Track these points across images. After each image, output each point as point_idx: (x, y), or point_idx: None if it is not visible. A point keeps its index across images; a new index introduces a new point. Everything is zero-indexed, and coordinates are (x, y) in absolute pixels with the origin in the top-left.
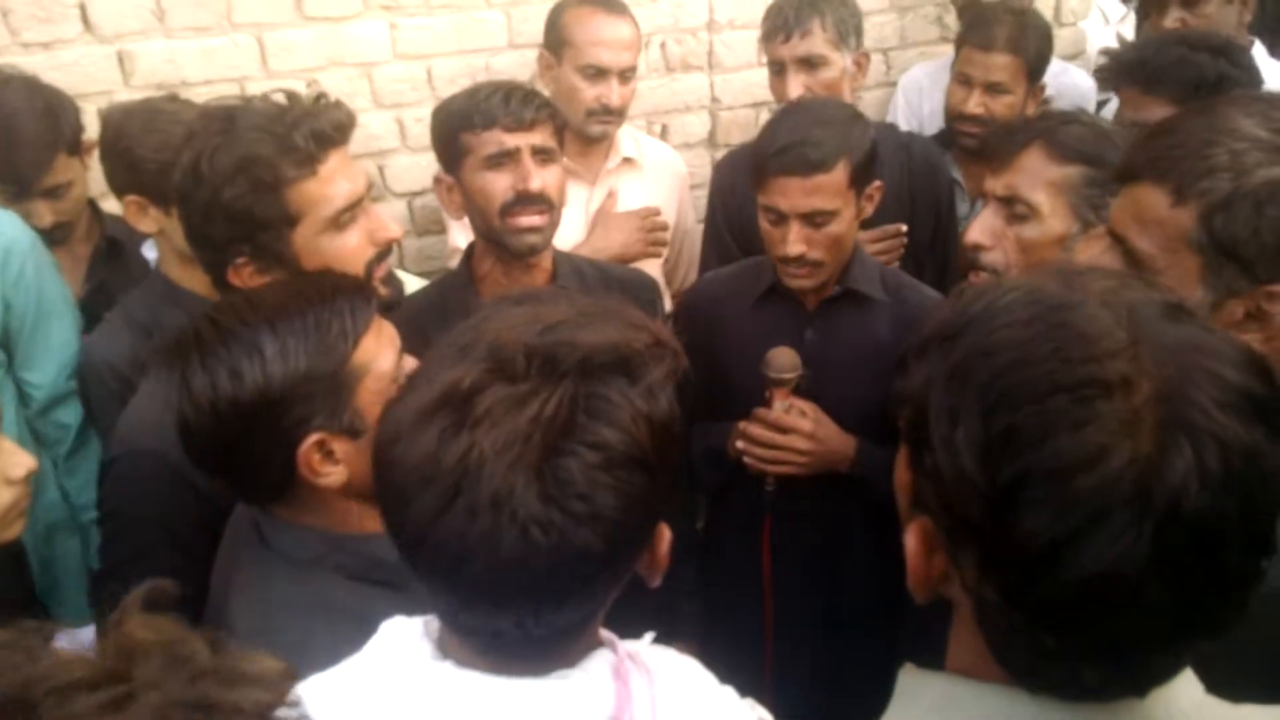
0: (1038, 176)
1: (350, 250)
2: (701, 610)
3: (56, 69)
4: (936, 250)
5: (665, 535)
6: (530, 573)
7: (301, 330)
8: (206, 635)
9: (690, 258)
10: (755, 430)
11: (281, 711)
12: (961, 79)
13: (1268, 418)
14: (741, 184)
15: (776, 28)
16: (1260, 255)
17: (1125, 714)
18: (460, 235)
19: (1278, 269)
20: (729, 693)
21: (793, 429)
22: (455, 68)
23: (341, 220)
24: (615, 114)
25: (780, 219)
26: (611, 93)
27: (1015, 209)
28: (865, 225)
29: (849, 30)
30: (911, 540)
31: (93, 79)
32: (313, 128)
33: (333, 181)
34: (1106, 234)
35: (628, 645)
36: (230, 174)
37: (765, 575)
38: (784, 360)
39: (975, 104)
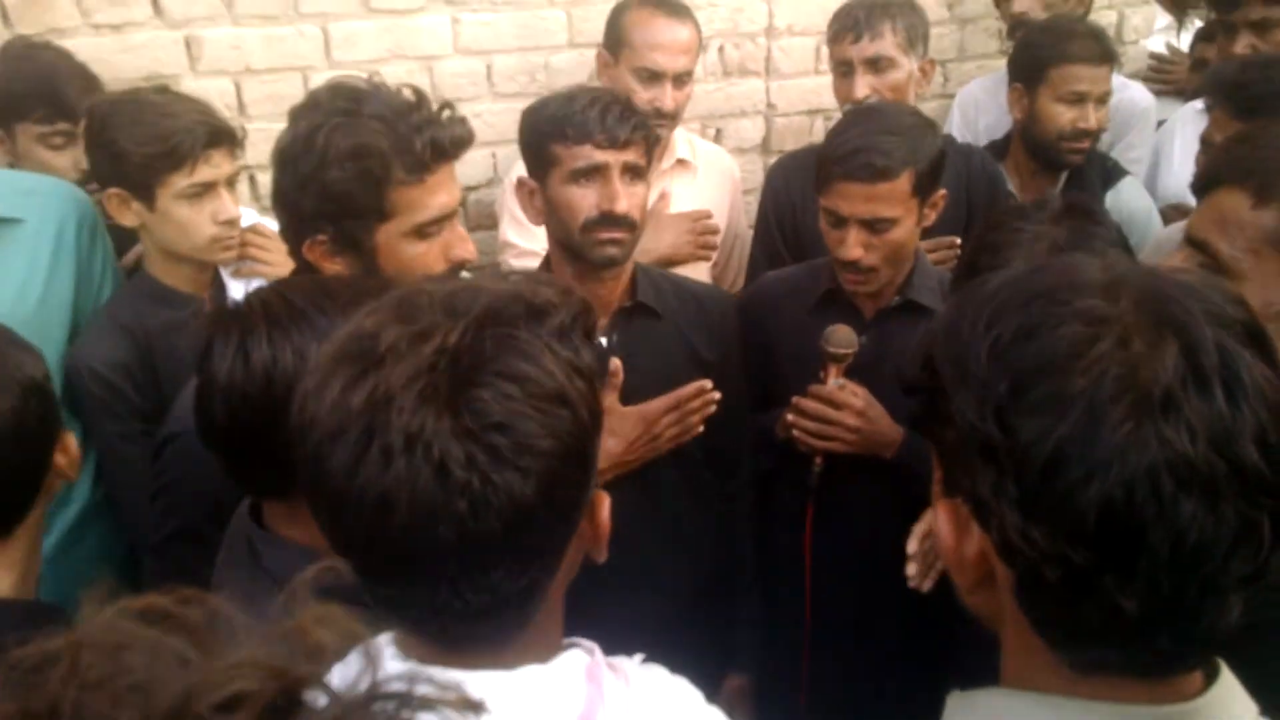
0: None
1: (425, 260)
2: (761, 643)
3: (125, 52)
4: None
5: (604, 501)
6: (455, 519)
7: None
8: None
9: (740, 262)
10: (807, 403)
11: None
12: (1070, 98)
13: (1257, 341)
14: (796, 190)
15: (846, 28)
16: None
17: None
18: (511, 229)
19: None
20: (716, 714)
21: (844, 405)
22: (515, 65)
23: (427, 230)
24: (668, 118)
25: (840, 222)
26: (665, 96)
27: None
28: (924, 234)
29: (917, 36)
30: (943, 523)
31: (160, 63)
32: (434, 137)
33: (434, 192)
34: (1185, 243)
35: (611, 658)
36: (343, 156)
37: (805, 568)
38: (842, 336)
39: (1093, 120)
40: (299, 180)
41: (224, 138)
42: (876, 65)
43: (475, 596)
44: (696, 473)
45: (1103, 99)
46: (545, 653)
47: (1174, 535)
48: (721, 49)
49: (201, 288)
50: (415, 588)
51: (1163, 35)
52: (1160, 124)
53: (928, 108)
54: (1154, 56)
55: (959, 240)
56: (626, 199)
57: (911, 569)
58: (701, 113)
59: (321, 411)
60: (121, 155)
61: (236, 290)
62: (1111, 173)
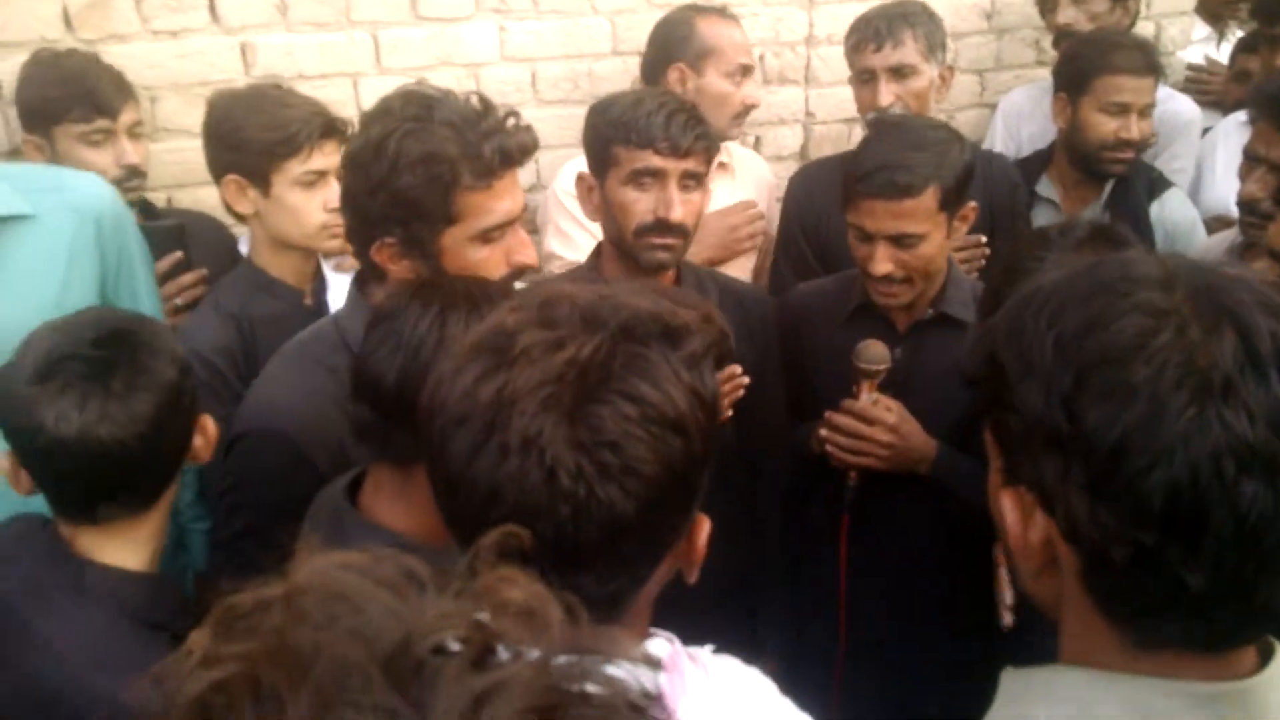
0: None
1: (488, 264)
2: (789, 641)
3: (182, 57)
4: None
5: (705, 525)
6: (556, 521)
7: None
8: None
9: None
10: (840, 419)
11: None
12: (1112, 108)
13: None
14: (819, 198)
15: (867, 38)
16: None
17: (1235, 699)
18: (555, 240)
19: None
20: (789, 705)
21: (877, 421)
22: (559, 71)
23: (492, 235)
24: (748, 113)
25: (867, 238)
26: (754, 92)
27: None
28: None
29: (937, 43)
30: (1009, 511)
31: (216, 68)
32: (502, 144)
33: (500, 198)
34: (1267, 253)
35: (689, 649)
36: (413, 161)
37: (841, 577)
38: (874, 352)
39: (1136, 131)
40: (370, 184)
41: (336, 130)
42: (899, 73)
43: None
44: (728, 467)
45: (1146, 110)
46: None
47: (1237, 514)
48: (762, 57)
49: (304, 280)
50: None
51: (1201, 46)
52: (1206, 130)
53: (965, 117)
54: (1191, 68)
55: (984, 239)
56: (682, 206)
57: (1008, 619)
58: None
59: (452, 397)
60: (242, 144)
61: (337, 284)
62: (1156, 184)
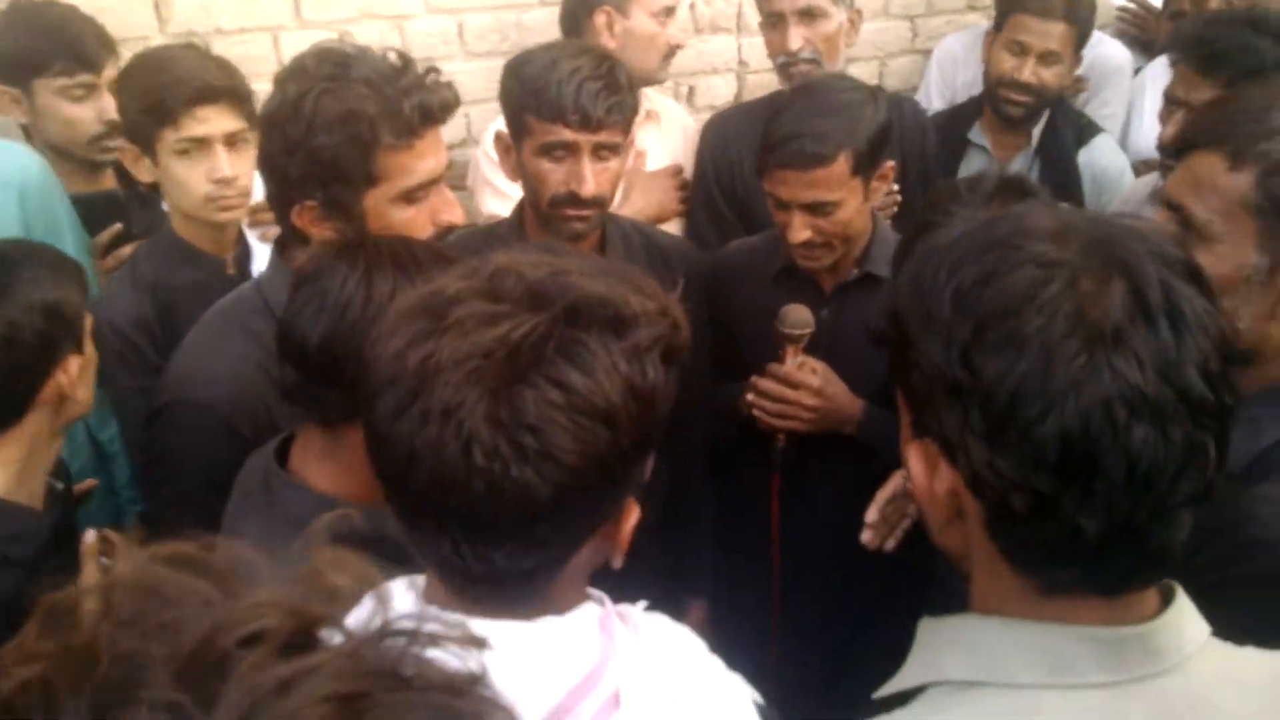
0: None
1: (413, 225)
2: (718, 599)
3: (95, 14)
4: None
5: (633, 512)
6: (469, 495)
7: None
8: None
9: None
10: (765, 384)
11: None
12: (1014, 47)
13: (1198, 281)
14: (733, 145)
15: None
16: None
17: (1137, 642)
18: (492, 201)
19: None
20: (717, 663)
21: (802, 384)
22: (486, 23)
23: (415, 195)
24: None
25: (783, 206)
26: (679, 32)
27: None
28: None
29: None
30: (915, 463)
31: (127, 24)
32: (422, 101)
33: (422, 157)
34: (1162, 204)
35: (620, 607)
36: (330, 120)
37: (774, 536)
38: (797, 316)
39: (1029, 73)
40: (287, 146)
41: (218, 94)
42: (808, 15)
43: (475, 565)
44: None
45: (1049, 57)
46: (563, 607)
47: (1128, 460)
48: (693, 6)
49: (225, 248)
50: (428, 539)
51: None
52: (1137, 72)
53: (898, 64)
54: (1121, 9)
55: (896, 186)
56: (594, 179)
57: (867, 535)
58: (673, 70)
59: (384, 357)
60: (123, 110)
61: (262, 253)
62: (1085, 130)
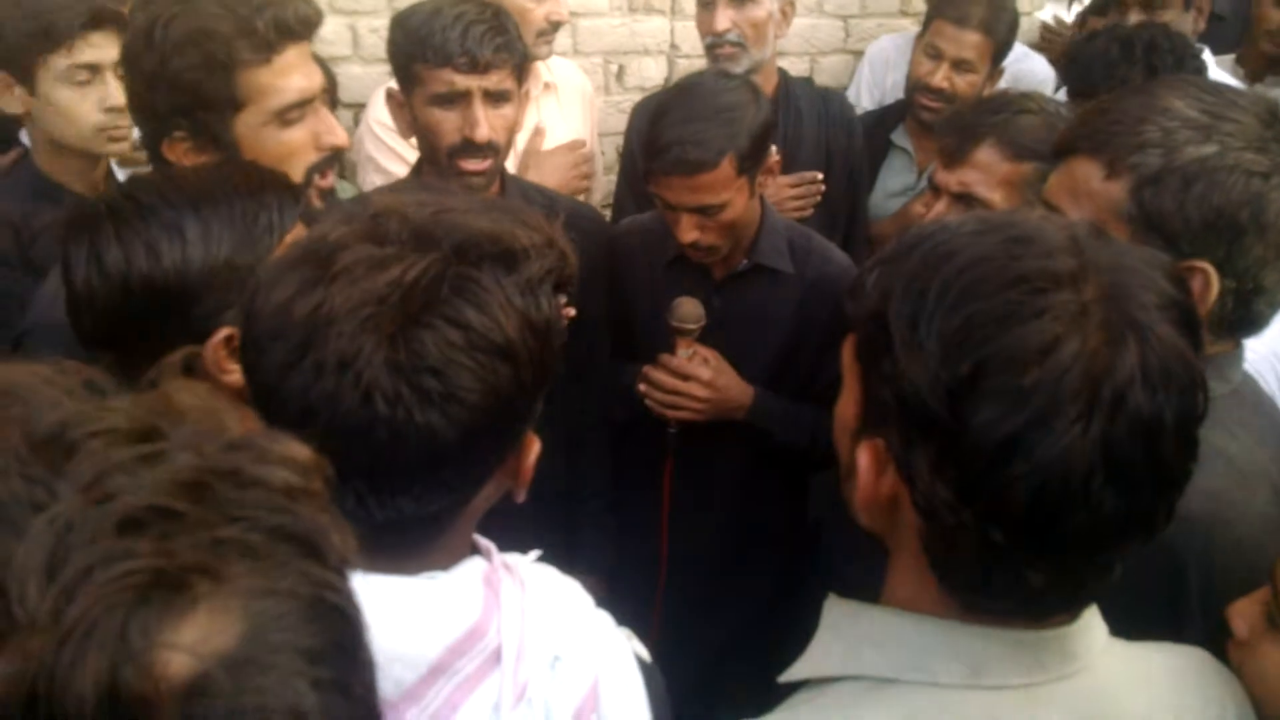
0: (992, 174)
1: (292, 148)
2: (610, 541)
3: None
4: (847, 205)
5: (534, 446)
6: (371, 444)
7: (227, 217)
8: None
9: (598, 178)
10: (657, 375)
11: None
12: (930, 51)
13: (1190, 326)
14: None
15: None
16: (1184, 230)
17: (1054, 645)
18: (378, 179)
19: (1199, 245)
20: (605, 617)
21: (692, 376)
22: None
23: (289, 116)
24: (556, 30)
25: (671, 208)
26: (560, 6)
27: (971, 205)
28: (783, 173)
29: None
30: (863, 461)
31: None
32: (276, 15)
33: (287, 74)
34: (1041, 205)
35: (506, 557)
36: (182, 44)
37: (663, 516)
38: (688, 310)
39: (941, 78)
40: (145, 77)
41: (109, 19)
42: (739, 0)
43: (380, 513)
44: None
45: (962, 65)
46: (449, 558)
47: (1091, 523)
48: None
49: (92, 186)
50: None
51: (1055, 6)
52: (1059, 89)
53: (829, 62)
54: (1044, 27)
55: (821, 175)
56: (488, 125)
57: None
58: (604, 48)
59: (266, 309)
60: (2, 35)
61: None
62: None
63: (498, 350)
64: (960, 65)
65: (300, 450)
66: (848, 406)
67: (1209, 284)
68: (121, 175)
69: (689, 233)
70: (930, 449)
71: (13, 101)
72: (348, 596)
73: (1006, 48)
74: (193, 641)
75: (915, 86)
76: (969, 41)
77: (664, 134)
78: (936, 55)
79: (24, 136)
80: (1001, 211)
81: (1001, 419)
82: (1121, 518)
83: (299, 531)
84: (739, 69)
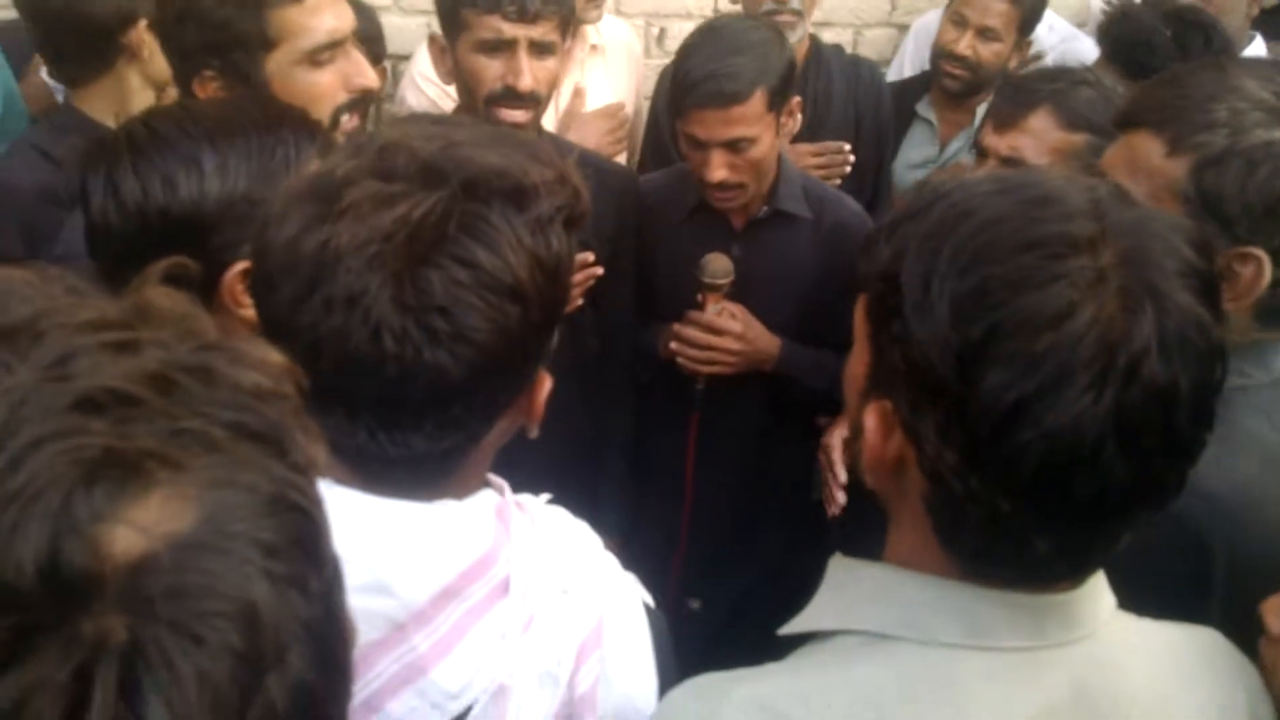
0: (1044, 141)
1: (322, 89)
2: (629, 510)
3: None
4: (874, 172)
5: (545, 382)
6: (379, 381)
7: (244, 151)
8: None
9: (637, 139)
10: (689, 332)
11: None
12: (956, 19)
13: (1211, 294)
14: None
15: None
16: (1243, 215)
17: (1056, 610)
18: (412, 93)
19: (1256, 231)
20: (611, 560)
21: (725, 330)
22: None
23: (320, 57)
24: None
25: (700, 146)
26: None
27: None
28: (810, 139)
29: None
30: (870, 421)
31: None
32: None
33: (318, 14)
34: (1097, 175)
35: (519, 496)
36: None
37: (687, 473)
38: (718, 266)
39: (965, 45)
40: (176, 14)
41: None
42: None
43: (393, 449)
44: (582, 343)
45: (986, 32)
46: (462, 491)
47: (1100, 490)
48: None
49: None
50: (338, 425)
51: None
52: None
53: (874, 35)
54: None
55: (849, 146)
56: (531, 74)
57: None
58: (647, 9)
59: (276, 244)
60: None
61: None
62: None
63: (506, 290)
64: (985, 33)
65: (273, 355)
66: (857, 365)
67: (1261, 271)
68: None
69: (718, 170)
70: (938, 413)
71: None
72: (311, 498)
73: (1034, 18)
74: (144, 522)
75: (940, 54)
76: (995, 9)
77: (697, 68)
78: (962, 22)
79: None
80: (1023, 170)
81: (1011, 384)
82: (1132, 487)
83: (263, 429)
84: (794, 38)
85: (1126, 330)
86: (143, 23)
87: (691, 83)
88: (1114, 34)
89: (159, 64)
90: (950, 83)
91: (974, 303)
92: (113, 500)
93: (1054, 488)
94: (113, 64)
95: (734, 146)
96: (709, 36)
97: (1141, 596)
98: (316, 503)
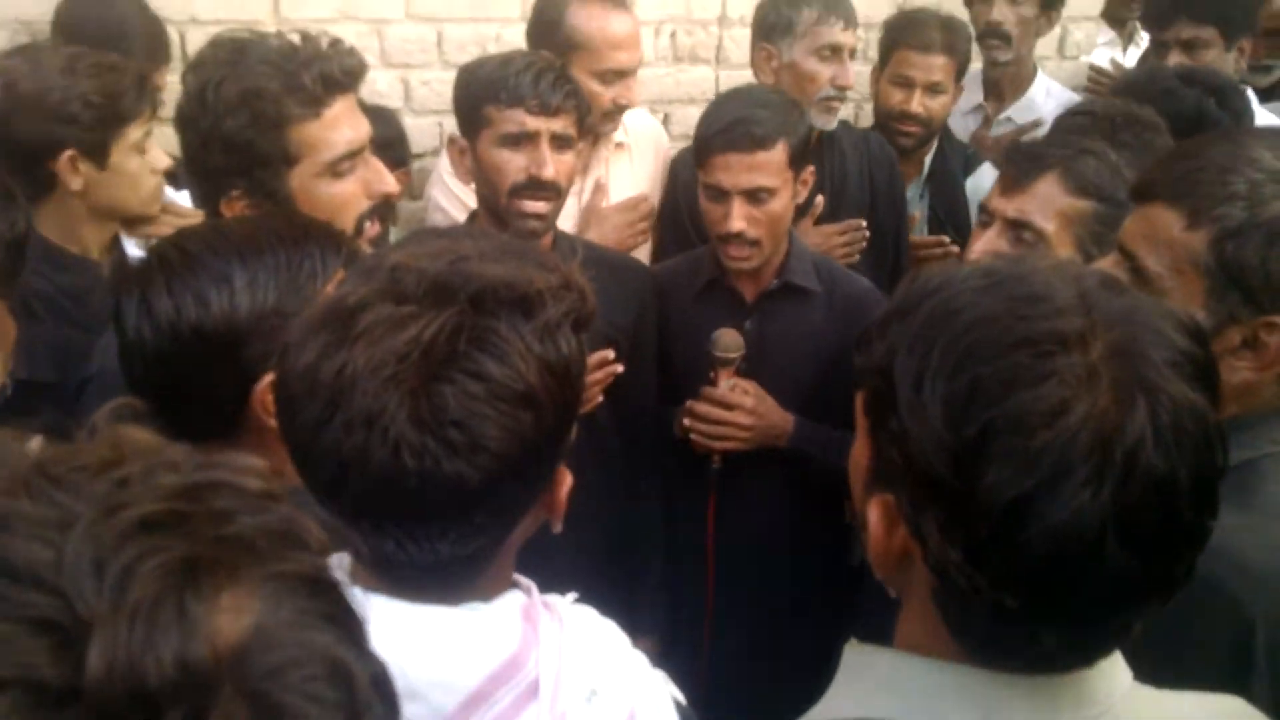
0: (1051, 205)
1: (345, 199)
2: (666, 606)
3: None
4: (894, 240)
5: (566, 479)
6: (402, 494)
7: (272, 266)
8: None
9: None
10: (702, 408)
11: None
12: (899, 81)
13: (1207, 380)
14: None
15: (831, 9)
16: (1265, 286)
17: (1069, 689)
18: (439, 190)
19: (1279, 301)
20: (641, 658)
21: (737, 405)
22: (466, 34)
23: (340, 168)
24: (622, 112)
25: (722, 195)
26: (629, 91)
27: (1023, 234)
28: (829, 219)
29: None
30: (873, 516)
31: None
32: (322, 70)
33: (336, 127)
34: (1116, 249)
35: (546, 596)
36: (234, 105)
37: (709, 555)
38: (729, 340)
39: (916, 104)
40: (200, 139)
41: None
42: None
43: (419, 557)
44: (604, 439)
45: (932, 88)
46: (489, 592)
47: (1104, 584)
48: (674, 34)
49: (104, 253)
50: (366, 535)
51: (1108, 49)
52: None
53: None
54: (1093, 69)
55: (865, 223)
56: (554, 166)
57: None
58: (650, 96)
59: (295, 371)
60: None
61: (137, 253)
62: (970, 160)
63: (519, 398)
64: (933, 89)
65: (256, 461)
66: (860, 457)
67: None
68: (129, 244)
69: (737, 221)
70: (939, 510)
71: (79, 179)
72: (334, 576)
73: (966, 64)
74: (232, 614)
75: (890, 116)
76: (937, 64)
77: (725, 115)
78: (908, 84)
79: None
80: (1010, 260)
81: (1010, 481)
82: (1137, 579)
83: (281, 526)
84: (833, 123)
85: (1120, 424)
86: (67, 153)
87: (717, 130)
88: (1145, 96)
89: (105, 194)
90: (905, 140)
91: (966, 402)
92: (205, 600)
93: (1058, 583)
94: (52, 189)
95: (754, 196)
96: (733, 94)
97: (1181, 670)
98: (339, 580)
